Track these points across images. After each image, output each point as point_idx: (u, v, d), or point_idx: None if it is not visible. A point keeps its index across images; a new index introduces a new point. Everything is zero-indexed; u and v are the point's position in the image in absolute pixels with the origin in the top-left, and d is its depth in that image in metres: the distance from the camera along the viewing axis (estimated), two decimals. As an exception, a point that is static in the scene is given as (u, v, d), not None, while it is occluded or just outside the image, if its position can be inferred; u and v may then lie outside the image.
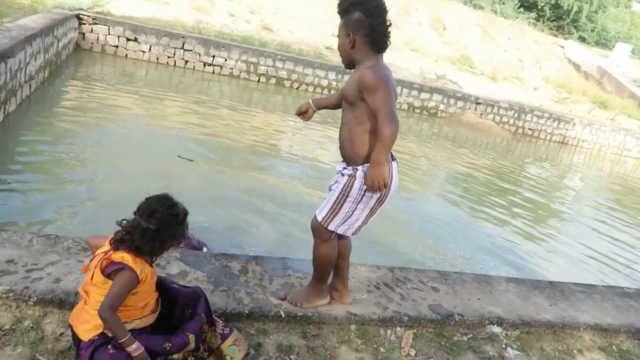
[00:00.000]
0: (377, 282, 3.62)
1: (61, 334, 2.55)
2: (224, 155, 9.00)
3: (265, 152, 9.75)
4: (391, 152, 2.78)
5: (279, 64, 15.41)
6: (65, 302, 2.72)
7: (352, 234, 2.99)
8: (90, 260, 2.34)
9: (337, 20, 2.78)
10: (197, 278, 3.17)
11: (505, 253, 7.52)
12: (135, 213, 2.28)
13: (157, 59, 14.85)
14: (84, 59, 13.86)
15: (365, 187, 2.72)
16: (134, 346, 2.16)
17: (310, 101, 3.19)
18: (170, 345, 2.31)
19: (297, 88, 15.70)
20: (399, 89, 16.40)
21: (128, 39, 14.51)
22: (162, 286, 2.56)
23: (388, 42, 2.72)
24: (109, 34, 14.34)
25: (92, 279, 2.28)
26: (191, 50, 14.94)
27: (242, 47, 15.19)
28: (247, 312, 2.96)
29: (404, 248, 6.73)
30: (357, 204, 2.80)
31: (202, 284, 3.10)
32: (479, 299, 3.72)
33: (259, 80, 15.49)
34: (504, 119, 18.90)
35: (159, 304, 2.51)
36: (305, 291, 3.16)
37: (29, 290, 2.70)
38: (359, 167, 2.76)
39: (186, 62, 15.02)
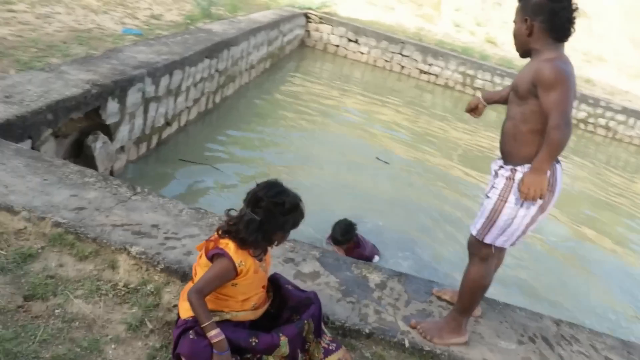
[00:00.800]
0: (534, 333, 2.92)
1: (174, 306, 2.42)
2: (423, 166, 8.52)
3: (463, 171, 9.11)
4: None
5: (497, 79, 14.46)
6: (188, 276, 2.59)
7: (511, 245, 2.54)
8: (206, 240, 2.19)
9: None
10: (328, 282, 2.84)
11: None
12: (243, 201, 2.08)
13: (375, 61, 14.94)
14: (307, 55, 14.52)
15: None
16: (214, 332, 1.94)
17: (480, 96, 2.81)
18: (257, 341, 2.05)
19: (514, 106, 14.58)
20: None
21: (349, 40, 14.82)
22: (276, 285, 2.31)
23: (572, 30, 2.33)
24: (332, 33, 14.81)
25: (199, 258, 2.15)
26: (409, 57, 14.74)
27: (461, 58, 14.57)
28: (367, 331, 2.54)
29: (589, 302, 5.68)
30: (518, 210, 2.39)
31: (331, 290, 2.77)
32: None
33: (474, 95, 14.72)
34: None
35: (269, 302, 2.27)
36: (441, 323, 2.64)
37: (160, 257, 2.63)
38: (518, 168, 2.38)
39: (402, 67, 14.87)
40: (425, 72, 14.76)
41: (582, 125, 14.57)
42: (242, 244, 2.03)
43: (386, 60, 14.85)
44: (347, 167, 7.36)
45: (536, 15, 2.30)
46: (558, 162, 2.43)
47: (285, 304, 2.27)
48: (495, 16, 19.28)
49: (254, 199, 2.03)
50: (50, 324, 2.15)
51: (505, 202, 2.40)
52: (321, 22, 14.74)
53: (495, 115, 13.70)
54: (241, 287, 2.08)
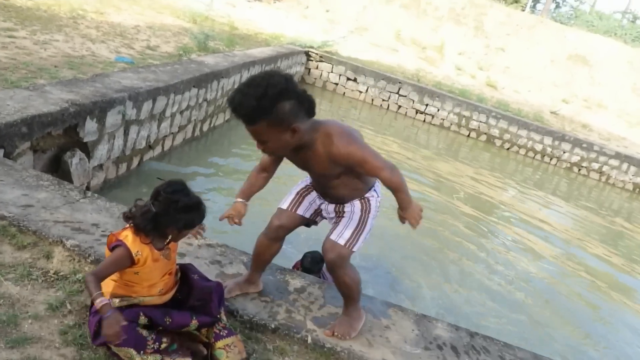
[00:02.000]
0: (444, 342, 3.12)
1: (99, 294, 2.67)
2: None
3: (461, 211, 9.31)
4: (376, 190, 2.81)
5: (492, 121, 14.79)
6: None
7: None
8: None
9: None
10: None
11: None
12: None
13: (372, 100, 15.38)
14: (306, 92, 14.97)
15: (379, 203, 2.79)
16: (98, 300, 2.08)
17: (239, 199, 2.77)
18: (170, 320, 2.29)
19: (508, 149, 14.85)
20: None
21: (348, 78, 15.31)
22: (183, 274, 2.56)
23: (314, 101, 2.35)
24: (331, 71, 15.31)
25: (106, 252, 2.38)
26: (406, 96, 15.17)
27: (457, 100, 14.95)
28: (273, 326, 2.77)
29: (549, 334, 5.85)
30: (374, 218, 2.78)
31: (248, 292, 3.03)
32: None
33: (468, 135, 15.04)
34: None
35: (176, 288, 2.51)
36: (346, 320, 2.87)
37: (92, 250, 2.88)
38: (367, 194, 2.77)
39: (399, 107, 15.29)
40: (421, 112, 15.16)
41: (575, 169, 14.77)
42: (135, 229, 2.25)
43: (383, 100, 15.29)
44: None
45: (290, 118, 2.26)
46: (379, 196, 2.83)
47: (191, 291, 2.50)
48: (499, 61, 19.76)
49: (154, 193, 2.27)
50: (-23, 299, 2.42)
51: (369, 213, 2.74)
52: (321, 61, 15.27)
53: (488, 156, 14.01)
54: (143, 274, 2.30)
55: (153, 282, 2.35)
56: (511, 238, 8.62)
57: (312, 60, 15.24)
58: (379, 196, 2.82)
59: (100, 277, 2.21)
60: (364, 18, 20.18)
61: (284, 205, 2.90)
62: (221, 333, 2.44)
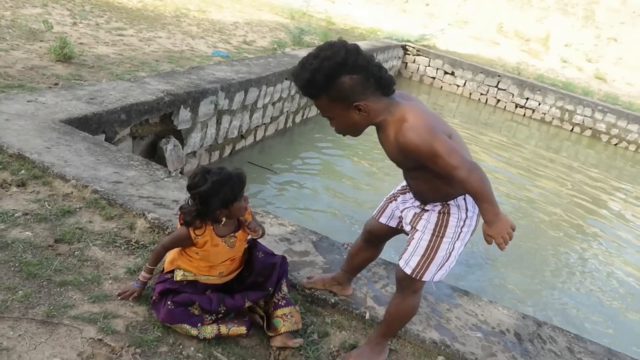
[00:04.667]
0: (507, 328, 3.08)
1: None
2: (514, 205, 8.42)
3: (563, 219, 8.93)
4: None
5: (598, 115, 13.96)
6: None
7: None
8: None
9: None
10: (314, 261, 3.20)
11: None
12: None
13: (470, 94, 15.04)
14: (403, 86, 14.90)
15: (462, 222, 2.28)
16: (142, 273, 2.55)
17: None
18: (225, 308, 2.45)
19: (616, 144, 13.93)
20: None
21: (445, 72, 15.07)
22: (248, 250, 2.69)
23: (392, 79, 2.13)
24: (428, 65, 15.14)
25: None
26: (505, 90, 14.69)
27: (560, 93, 14.25)
28: (333, 301, 2.88)
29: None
30: (455, 243, 2.31)
31: (314, 267, 3.12)
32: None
33: (572, 130, 14.30)
34: None
35: (239, 270, 2.63)
36: (367, 352, 2.60)
37: (170, 223, 3.13)
38: (451, 202, 2.28)
39: (498, 100, 14.84)
40: (521, 106, 14.62)
41: None
42: (186, 225, 2.39)
43: (482, 93, 14.91)
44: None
45: (356, 93, 2.07)
46: None
47: (252, 268, 2.65)
48: (609, 52, 18.62)
49: (187, 189, 2.38)
50: (68, 260, 2.72)
51: (442, 237, 2.29)
52: (418, 55, 15.14)
53: (593, 153, 13.26)
54: (203, 256, 2.45)
55: (212, 264, 2.50)
56: (617, 243, 8.10)
57: (409, 54, 15.14)
58: (470, 209, 2.29)
59: (166, 248, 2.47)
60: (464, 11, 19.74)
61: (375, 211, 2.72)
62: (280, 303, 2.57)
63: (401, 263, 2.37)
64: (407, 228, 2.45)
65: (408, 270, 2.33)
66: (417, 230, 2.36)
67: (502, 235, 2.04)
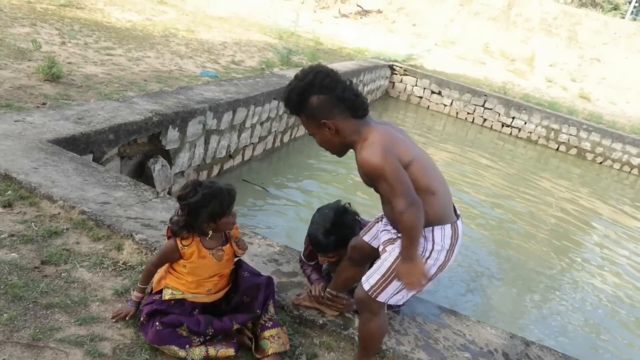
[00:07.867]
0: (495, 348, 3.10)
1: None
2: (499, 223, 8.40)
3: (547, 236, 8.99)
4: (454, 207, 2.39)
5: (583, 134, 14.13)
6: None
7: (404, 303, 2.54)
8: None
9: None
10: (302, 282, 3.18)
11: None
12: None
13: (457, 113, 15.18)
14: (390, 105, 15.05)
15: (427, 253, 2.29)
16: (135, 293, 2.57)
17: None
18: (212, 330, 2.44)
19: (601, 163, 14.10)
20: None
21: (432, 92, 15.22)
22: (234, 270, 2.68)
23: (363, 102, 2.24)
24: (415, 85, 15.29)
25: None
26: (491, 109, 14.84)
27: (545, 112, 14.42)
28: (321, 322, 2.88)
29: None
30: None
31: (303, 288, 3.13)
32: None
33: (557, 149, 14.45)
34: None
35: (227, 289, 2.63)
36: None
37: (158, 244, 3.13)
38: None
39: (484, 120, 14.98)
40: (507, 125, 14.78)
41: None
42: (172, 234, 2.43)
43: (468, 113, 15.05)
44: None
45: (329, 112, 2.20)
46: (458, 218, 2.38)
47: (237, 287, 2.64)
48: (592, 72, 18.91)
49: (178, 201, 2.42)
50: (55, 282, 2.70)
51: None
52: (405, 74, 15.29)
53: (579, 171, 13.40)
54: (190, 269, 2.45)
55: (200, 279, 2.49)
56: (603, 260, 8.16)
57: (396, 74, 15.28)
58: (438, 242, 2.30)
59: (156, 265, 2.47)
60: (451, 31, 19.99)
61: (362, 231, 2.77)
62: (267, 324, 2.57)
63: (363, 279, 2.41)
64: (380, 248, 2.49)
65: (366, 287, 2.37)
66: (385, 251, 2.40)
67: (411, 277, 2.19)
